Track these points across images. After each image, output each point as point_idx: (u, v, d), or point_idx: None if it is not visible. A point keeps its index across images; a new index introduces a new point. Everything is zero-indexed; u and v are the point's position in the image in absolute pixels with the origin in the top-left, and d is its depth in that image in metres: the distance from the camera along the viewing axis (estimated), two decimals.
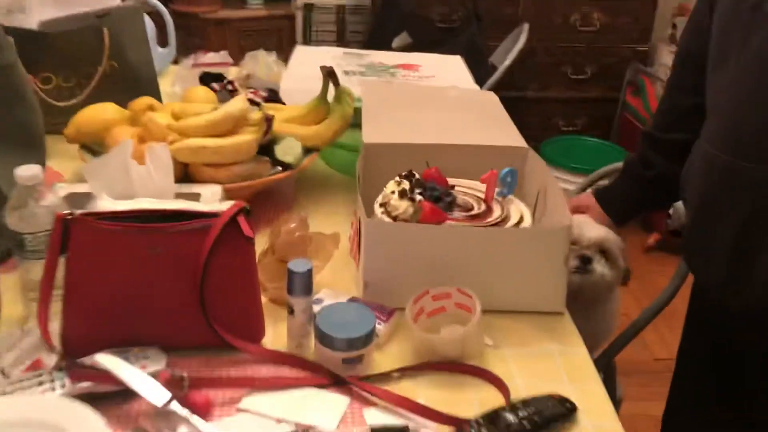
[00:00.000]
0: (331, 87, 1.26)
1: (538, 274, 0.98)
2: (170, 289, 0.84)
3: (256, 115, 1.14)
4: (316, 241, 1.01)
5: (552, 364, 0.91)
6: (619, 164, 1.49)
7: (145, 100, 1.28)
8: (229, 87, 1.57)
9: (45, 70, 1.36)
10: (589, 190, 1.36)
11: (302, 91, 1.54)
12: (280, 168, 1.17)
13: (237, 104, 1.13)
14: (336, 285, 1.04)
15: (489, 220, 1.03)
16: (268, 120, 1.12)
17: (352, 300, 0.96)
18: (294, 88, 1.58)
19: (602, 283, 1.16)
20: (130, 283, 0.83)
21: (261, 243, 1.04)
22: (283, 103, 1.52)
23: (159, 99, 1.52)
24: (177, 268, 0.84)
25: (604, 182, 1.47)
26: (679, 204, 1.26)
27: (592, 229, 1.17)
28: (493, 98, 1.39)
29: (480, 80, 1.99)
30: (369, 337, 0.85)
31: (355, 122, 1.32)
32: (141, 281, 0.84)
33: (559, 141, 2.85)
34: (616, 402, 1.47)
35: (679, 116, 1.20)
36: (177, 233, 0.83)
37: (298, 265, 0.87)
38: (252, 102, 1.51)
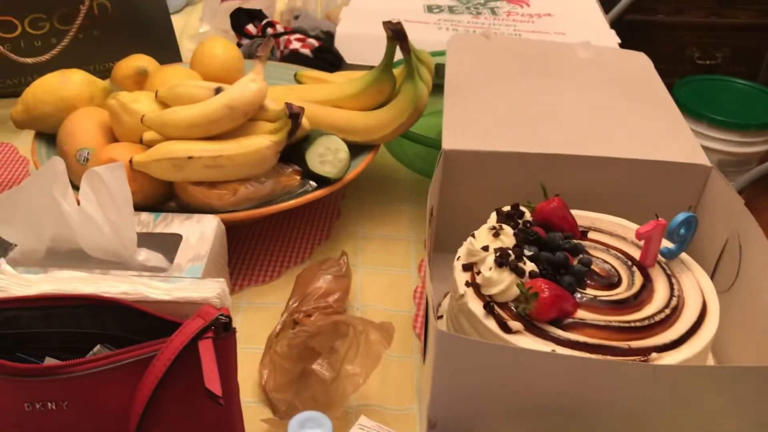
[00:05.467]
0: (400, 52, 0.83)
1: (738, 430, 0.56)
2: None
3: (276, 104, 0.73)
4: (356, 334, 0.62)
5: None
6: None
7: (134, 62, 0.90)
8: (269, 31, 1.16)
9: (5, 11, 0.98)
10: None
11: (367, 38, 1.12)
12: (312, 183, 0.76)
13: (245, 89, 0.72)
14: (386, 398, 0.65)
15: (649, 311, 0.60)
16: (295, 115, 0.71)
17: None
18: (356, 34, 1.15)
19: None
20: None
21: (280, 299, 0.67)
22: (337, 59, 1.10)
23: (175, 52, 1.12)
24: (92, 430, 0.47)
25: None
26: None
27: None
28: (645, 64, 0.93)
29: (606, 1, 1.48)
30: None
31: (439, 82, 0.90)
32: None
33: (695, 82, 2.29)
34: None
35: None
36: (83, 377, 0.46)
37: (305, 429, 0.48)
38: (296, 55, 1.10)
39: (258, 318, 0.73)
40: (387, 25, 0.79)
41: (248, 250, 0.82)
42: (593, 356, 0.55)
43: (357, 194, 0.91)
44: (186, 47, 1.22)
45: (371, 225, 0.86)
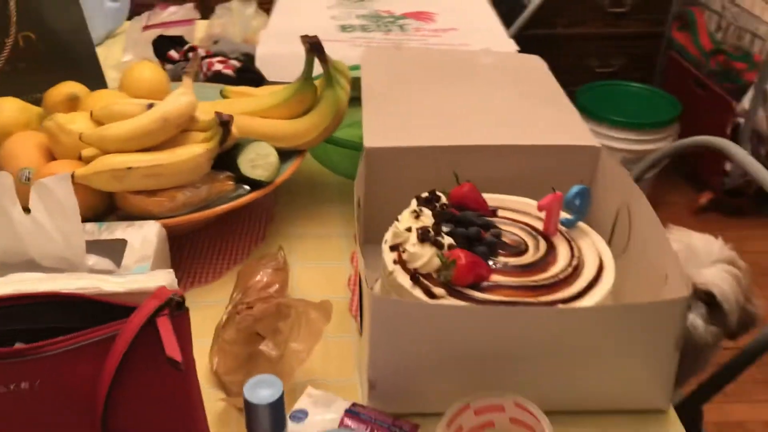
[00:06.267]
0: (319, 64, 0.90)
1: (635, 362, 0.64)
2: None
3: (206, 115, 0.79)
4: (297, 315, 0.68)
5: None
6: (701, 138, 1.14)
7: (65, 89, 0.94)
8: (191, 55, 1.21)
9: None
10: None
11: (286, 56, 1.18)
12: (246, 187, 0.82)
13: (177, 101, 0.77)
14: (328, 373, 0.71)
15: (553, 271, 0.69)
16: (225, 123, 0.77)
17: (352, 412, 0.63)
18: (275, 53, 1.22)
19: (699, 342, 0.82)
20: None
21: (223, 297, 0.71)
22: (258, 78, 1.16)
23: (101, 80, 1.16)
24: (64, 406, 0.52)
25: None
26: (741, 156, 0.93)
27: (702, 267, 0.83)
28: (539, 65, 1.03)
29: (505, 16, 1.60)
30: None
31: (356, 95, 0.97)
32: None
33: (596, 88, 2.46)
34: None
35: None
36: (52, 357, 0.50)
37: (259, 389, 0.54)
38: (219, 76, 1.16)
39: (205, 315, 0.77)
40: (305, 39, 0.86)
41: (190, 255, 0.86)
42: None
43: (288, 200, 0.98)
44: (110, 77, 1.25)
45: (304, 226, 0.93)
